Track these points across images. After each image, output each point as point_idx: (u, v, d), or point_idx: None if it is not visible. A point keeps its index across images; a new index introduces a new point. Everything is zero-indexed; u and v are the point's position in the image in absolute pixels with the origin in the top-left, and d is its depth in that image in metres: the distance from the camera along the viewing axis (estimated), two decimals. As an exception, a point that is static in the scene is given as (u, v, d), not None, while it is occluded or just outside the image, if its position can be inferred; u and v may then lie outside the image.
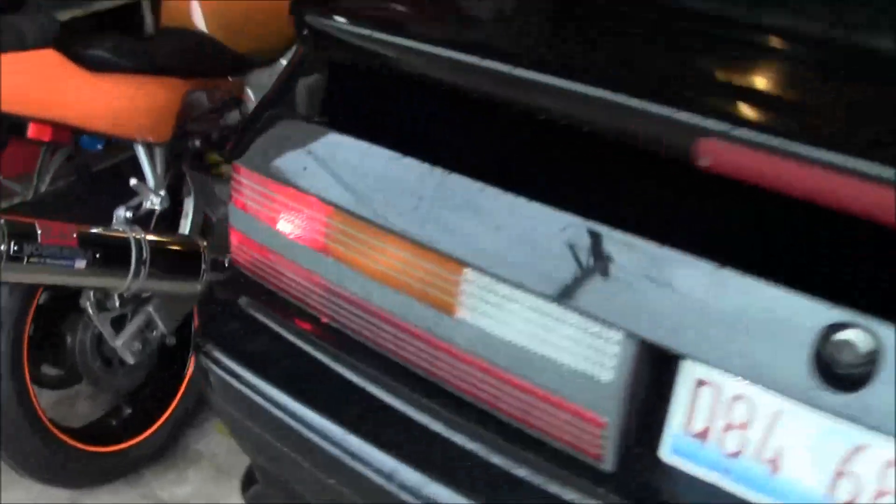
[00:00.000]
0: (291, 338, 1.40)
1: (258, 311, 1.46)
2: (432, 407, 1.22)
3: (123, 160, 2.29)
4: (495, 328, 1.13)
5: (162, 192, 2.13)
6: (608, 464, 1.10)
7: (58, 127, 1.93)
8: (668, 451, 1.11)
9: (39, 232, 1.83)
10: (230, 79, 2.30)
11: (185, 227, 2.25)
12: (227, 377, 1.42)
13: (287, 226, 1.34)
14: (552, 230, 1.06)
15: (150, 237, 2.02)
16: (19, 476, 2.16)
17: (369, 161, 1.21)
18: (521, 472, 1.15)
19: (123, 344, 2.13)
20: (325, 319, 1.33)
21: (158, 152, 2.12)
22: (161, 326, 2.19)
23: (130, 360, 2.16)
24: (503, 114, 1.16)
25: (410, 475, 1.19)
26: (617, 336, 1.04)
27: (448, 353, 1.18)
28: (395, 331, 1.24)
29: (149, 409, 2.36)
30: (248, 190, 1.40)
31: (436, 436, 1.21)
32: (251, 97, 2.37)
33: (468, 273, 1.13)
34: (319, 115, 1.31)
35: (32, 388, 2.08)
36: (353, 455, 1.23)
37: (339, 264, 1.28)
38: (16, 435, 2.05)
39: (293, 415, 1.32)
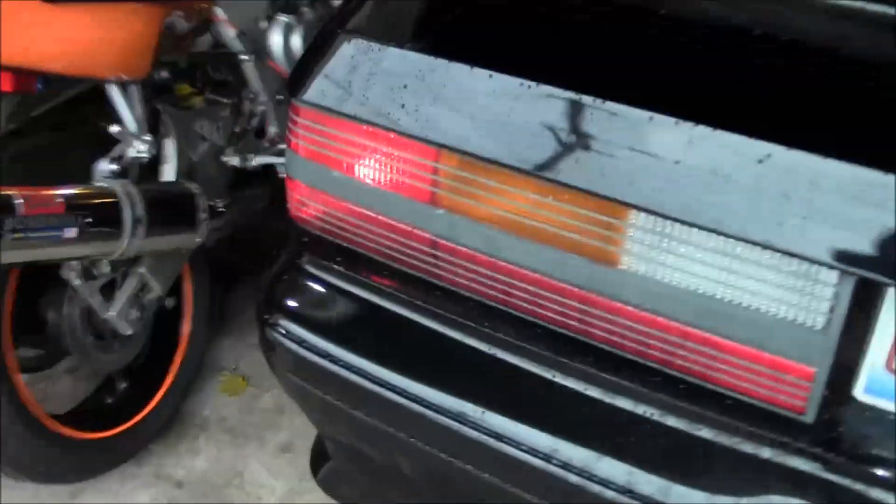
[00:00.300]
0: (383, 303, 1.26)
1: (333, 274, 1.30)
2: (587, 370, 1.11)
3: (67, 100, 2.03)
4: (673, 278, 1.01)
5: (147, 137, 1.90)
6: (809, 415, 1.02)
7: (21, 73, 1.68)
8: (863, 390, 1.03)
9: (20, 202, 1.60)
10: (196, -3, 2.05)
11: (169, 172, 2.03)
12: (305, 352, 1.27)
13: (375, 175, 1.18)
14: (745, 161, 0.94)
15: (141, 190, 1.81)
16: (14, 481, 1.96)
17: (492, 92, 1.06)
18: (705, 433, 1.06)
19: (118, 314, 1.93)
20: (436, 280, 1.19)
21: (135, 90, 1.88)
22: (156, 288, 1.99)
23: (128, 330, 1.97)
24: (654, 22, 1.02)
25: (575, 452, 1.08)
26: (831, 277, 0.94)
27: (608, 310, 1.06)
28: (534, 288, 1.11)
29: (147, 380, 2.17)
30: (315, 134, 1.22)
31: (595, 402, 1.10)
32: (223, 17, 2.12)
33: (635, 217, 1.00)
34: (416, 38, 1.13)
35: (21, 381, 1.87)
36: (501, 436, 1.12)
37: (453, 216, 1.13)
38: (6, 437, 1.84)
39: (403, 392, 1.19)
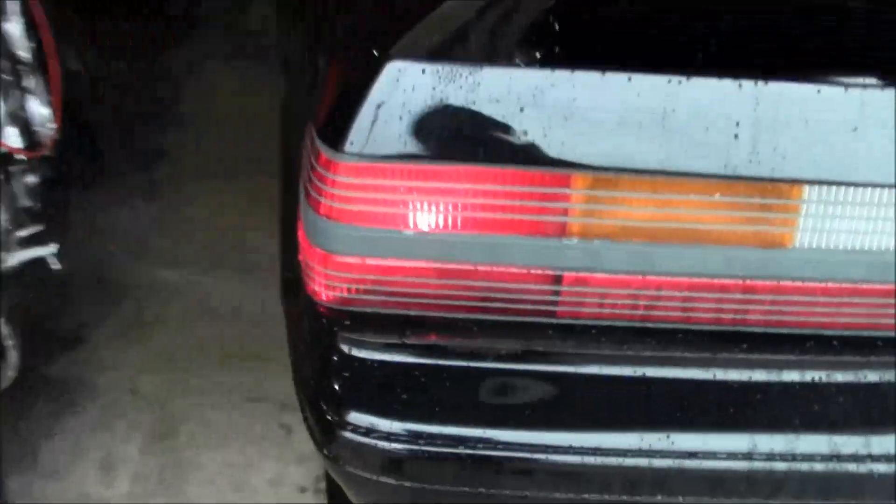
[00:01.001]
0: (479, 364, 1.09)
1: (404, 350, 1.09)
2: (748, 358, 1.09)
3: None
4: (847, 242, 1.02)
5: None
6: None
7: None
8: None
9: None
10: None
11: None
12: (420, 446, 1.06)
13: (475, 222, 1.01)
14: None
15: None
16: None
17: (636, 96, 0.96)
18: (871, 377, 1.10)
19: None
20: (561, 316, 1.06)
21: None
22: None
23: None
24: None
25: (773, 441, 1.07)
26: None
27: (772, 291, 1.06)
28: (685, 293, 1.06)
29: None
30: (373, 192, 1.00)
31: (765, 385, 1.09)
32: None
33: (810, 192, 1.00)
34: (508, 51, 0.96)
35: None
36: (694, 454, 1.05)
37: (588, 243, 1.02)
38: None
39: (566, 449, 1.06)
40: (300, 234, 1.12)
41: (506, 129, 0.97)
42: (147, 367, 2.25)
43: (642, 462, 1.06)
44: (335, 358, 1.10)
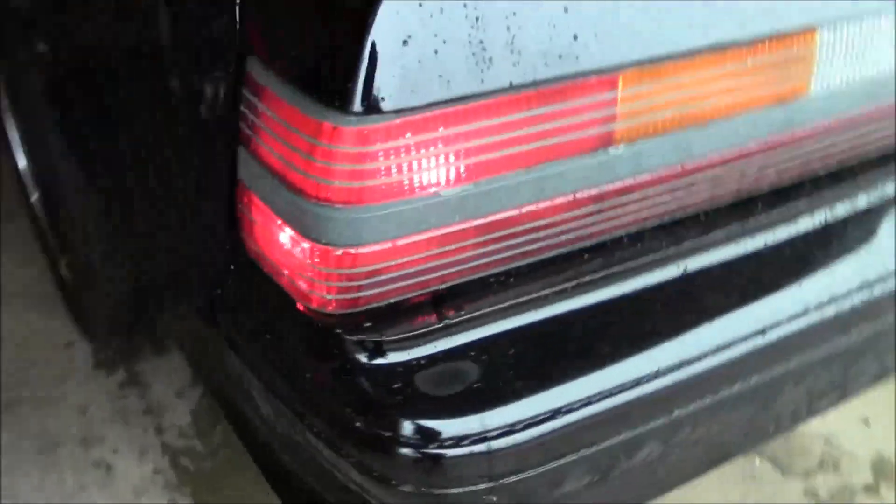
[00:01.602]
0: (534, 316, 0.93)
1: (447, 332, 0.90)
2: (778, 218, 1.04)
3: None
4: (857, 74, 0.99)
5: None
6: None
7: None
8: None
9: None
10: None
11: None
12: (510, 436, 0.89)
13: (522, 157, 0.84)
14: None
15: None
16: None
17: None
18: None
19: None
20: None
21: None
22: None
23: None
24: None
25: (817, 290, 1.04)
26: None
27: (793, 143, 1.01)
28: (714, 171, 0.97)
29: None
30: (403, 155, 0.79)
31: (799, 238, 1.05)
32: None
33: (821, 34, 0.94)
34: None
35: None
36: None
37: (633, 146, 0.90)
38: None
39: (645, 378, 0.95)
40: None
41: (561, 36, 0.79)
42: None
43: (715, 360, 0.98)
44: (374, 372, 0.87)
